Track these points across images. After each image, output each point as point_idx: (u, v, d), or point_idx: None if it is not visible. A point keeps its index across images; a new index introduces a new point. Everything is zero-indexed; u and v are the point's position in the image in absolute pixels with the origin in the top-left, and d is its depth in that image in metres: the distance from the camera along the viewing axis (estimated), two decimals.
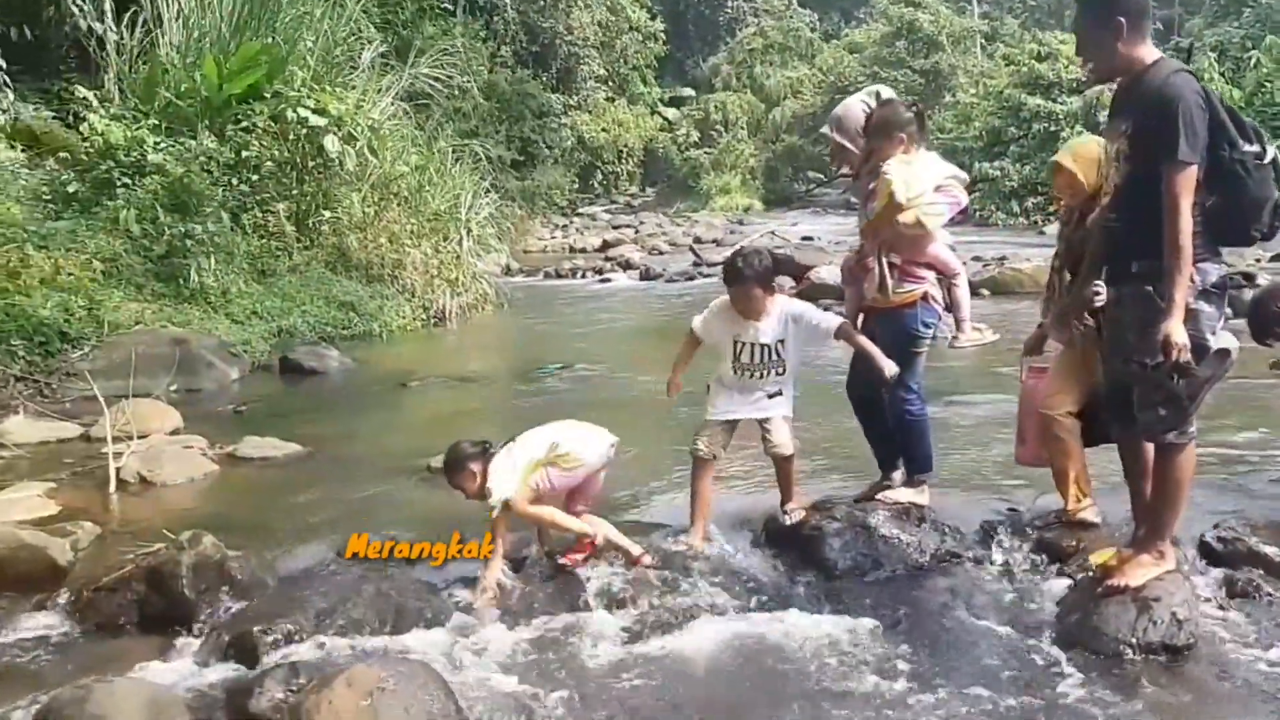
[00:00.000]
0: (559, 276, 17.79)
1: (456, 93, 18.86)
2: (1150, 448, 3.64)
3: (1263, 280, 10.45)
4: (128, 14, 11.93)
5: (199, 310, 9.31)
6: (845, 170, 4.71)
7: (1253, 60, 25.30)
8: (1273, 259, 14.10)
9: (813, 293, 12.05)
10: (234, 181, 10.49)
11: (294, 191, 11.39)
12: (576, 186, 32.47)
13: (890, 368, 4.09)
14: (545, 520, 4.08)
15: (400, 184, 12.57)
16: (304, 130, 11.06)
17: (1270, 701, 3.18)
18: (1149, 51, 3.49)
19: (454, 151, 14.63)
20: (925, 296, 4.28)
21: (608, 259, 19.96)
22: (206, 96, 11.18)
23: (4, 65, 9.90)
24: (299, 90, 11.31)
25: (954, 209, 4.29)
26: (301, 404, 7.92)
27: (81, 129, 10.34)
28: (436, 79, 16.17)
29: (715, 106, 40.43)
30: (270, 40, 12.11)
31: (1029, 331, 4.63)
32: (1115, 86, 3.68)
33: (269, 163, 10.96)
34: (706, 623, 3.77)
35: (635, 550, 4.15)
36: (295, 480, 5.68)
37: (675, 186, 38.40)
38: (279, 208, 11.12)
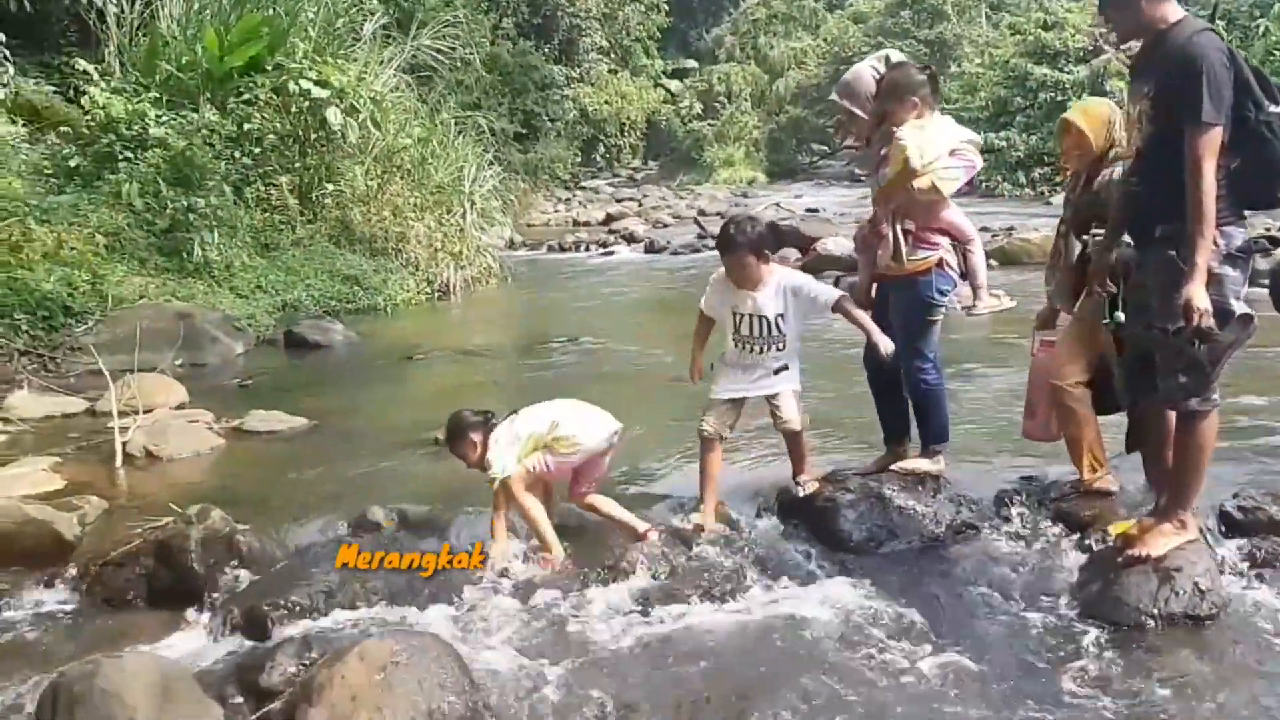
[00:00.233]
0: (562, 250, 17.70)
1: (459, 65, 18.71)
2: (1172, 415, 3.58)
3: None
4: None
5: (203, 284, 9.28)
6: (849, 141, 4.62)
7: (1260, 29, 25.01)
8: None
9: (819, 264, 12.02)
10: (236, 155, 10.44)
11: (297, 164, 11.33)
12: (579, 160, 32.28)
13: (886, 346, 4.03)
14: (528, 514, 3.97)
15: (403, 157, 12.50)
16: (306, 103, 10.99)
17: None
18: (1173, 10, 3.40)
19: (457, 124, 14.54)
20: (940, 263, 4.20)
21: (611, 232, 19.86)
22: (207, 69, 11.10)
23: (4, 39, 9.79)
24: (301, 62, 11.22)
25: (970, 173, 4.22)
26: (306, 378, 7.89)
27: (82, 102, 10.26)
28: (439, 51, 16.06)
29: (719, 78, 40.23)
30: (271, 12, 12.01)
31: (1038, 302, 4.56)
32: (1135, 49, 3.59)
33: (271, 135, 10.90)
34: (717, 597, 3.73)
35: (641, 526, 4.11)
36: (302, 454, 5.65)
37: (678, 159, 38.24)
38: (282, 181, 11.07)
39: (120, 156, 9.53)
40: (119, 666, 2.83)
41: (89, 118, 10.02)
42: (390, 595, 3.71)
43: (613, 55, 36.98)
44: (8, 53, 9.86)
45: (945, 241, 4.25)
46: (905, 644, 3.35)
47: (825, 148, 38.27)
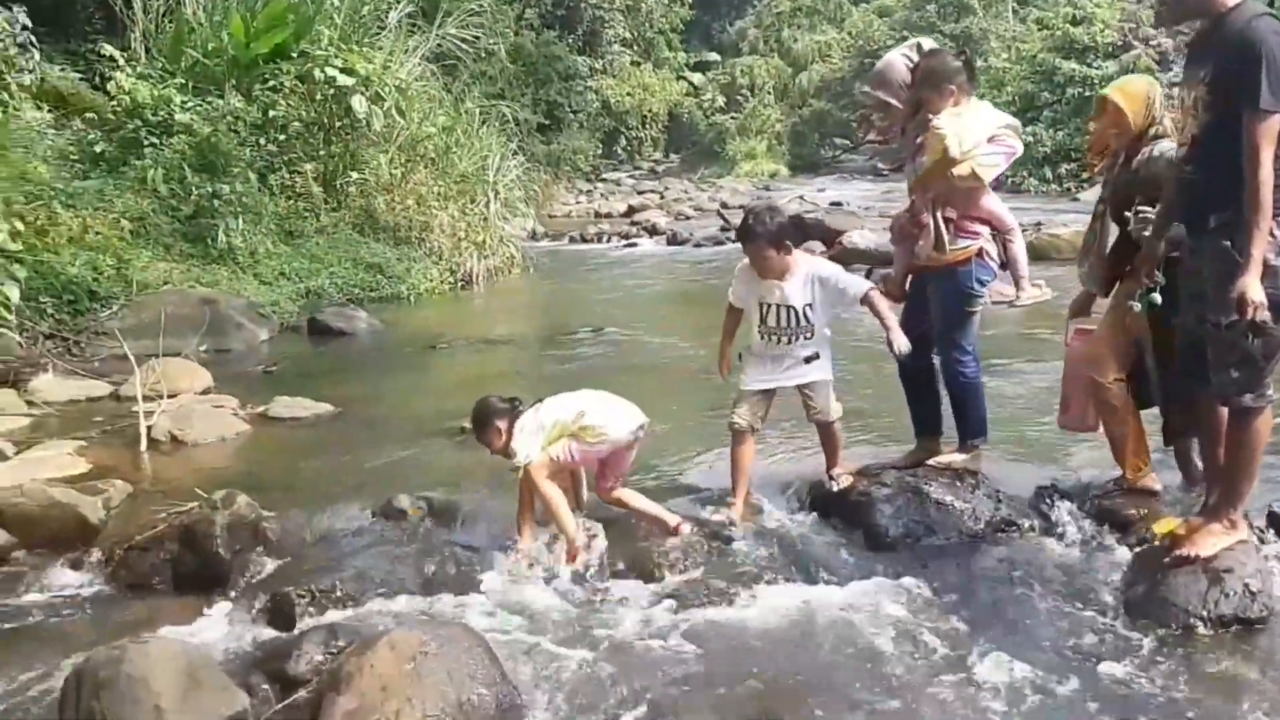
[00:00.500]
0: (584, 241, 17.60)
1: (483, 54, 18.65)
2: (1224, 411, 3.48)
3: None
4: None
5: (227, 270, 9.26)
6: (872, 135, 4.54)
7: None
8: None
9: (845, 257, 11.89)
10: (261, 141, 10.42)
11: (321, 152, 11.29)
12: (601, 152, 32.16)
13: (902, 344, 3.94)
14: (549, 502, 3.89)
15: (427, 145, 12.43)
16: (331, 90, 10.93)
17: None
18: None
19: (480, 113, 14.47)
20: (980, 253, 4.13)
21: (633, 224, 19.72)
22: (233, 55, 11.07)
23: (30, 25, 9.78)
24: (326, 49, 11.16)
25: (1010, 159, 4.13)
26: (330, 365, 7.86)
27: (108, 88, 10.25)
28: (463, 40, 15.97)
29: (742, 71, 39.96)
30: None
31: (1069, 298, 4.45)
32: (1189, 36, 3.48)
33: (296, 123, 10.86)
34: (750, 591, 3.66)
35: (672, 520, 4.03)
36: (326, 440, 5.61)
37: (700, 152, 38.01)
38: (306, 168, 11.03)
39: (145, 142, 9.51)
40: (145, 652, 2.79)
41: (115, 103, 10.00)
42: (418, 584, 3.66)
43: (636, 47, 36.84)
44: (34, 39, 9.84)
45: (985, 231, 4.17)
46: (947, 642, 3.27)
47: (848, 142, 38.04)
